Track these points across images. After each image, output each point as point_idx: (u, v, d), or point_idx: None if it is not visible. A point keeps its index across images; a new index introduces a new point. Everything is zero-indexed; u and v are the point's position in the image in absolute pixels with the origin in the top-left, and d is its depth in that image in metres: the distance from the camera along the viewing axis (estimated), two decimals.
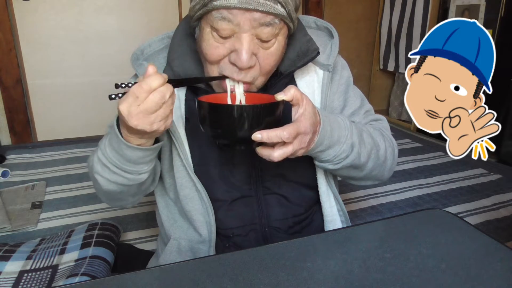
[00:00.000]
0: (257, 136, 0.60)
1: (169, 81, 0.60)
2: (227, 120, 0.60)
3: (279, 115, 0.64)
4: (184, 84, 0.69)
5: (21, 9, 2.42)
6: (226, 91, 0.71)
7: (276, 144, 0.63)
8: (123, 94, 0.59)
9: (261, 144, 0.63)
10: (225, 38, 0.66)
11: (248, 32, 0.64)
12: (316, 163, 0.77)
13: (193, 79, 0.73)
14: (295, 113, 0.64)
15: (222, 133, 0.64)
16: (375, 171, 0.81)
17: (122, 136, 0.65)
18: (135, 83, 0.58)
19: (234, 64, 0.67)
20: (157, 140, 0.71)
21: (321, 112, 0.70)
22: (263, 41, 0.67)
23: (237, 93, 0.70)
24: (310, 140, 0.66)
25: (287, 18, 0.67)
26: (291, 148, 0.62)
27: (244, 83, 0.69)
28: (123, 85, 0.60)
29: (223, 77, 0.69)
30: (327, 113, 0.73)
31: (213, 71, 0.70)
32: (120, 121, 0.64)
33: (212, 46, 0.67)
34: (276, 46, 0.69)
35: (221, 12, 0.63)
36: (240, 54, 0.65)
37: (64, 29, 2.52)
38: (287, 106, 0.65)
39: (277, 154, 0.62)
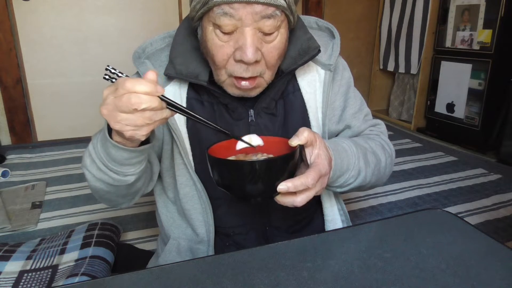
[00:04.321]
0: (283, 188, 0.58)
1: (166, 100, 0.56)
2: (250, 177, 0.58)
3: (297, 160, 0.62)
4: (179, 111, 0.59)
5: (21, 9, 2.42)
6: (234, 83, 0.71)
7: None
8: (121, 73, 0.57)
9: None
10: (228, 34, 0.65)
11: (251, 26, 0.64)
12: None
13: (189, 113, 0.60)
14: (310, 154, 0.64)
15: (243, 189, 0.60)
16: (376, 182, 0.84)
17: (109, 133, 0.63)
18: (126, 76, 0.56)
19: (240, 61, 0.66)
20: (147, 142, 0.67)
21: (330, 145, 0.70)
22: (265, 34, 0.66)
23: (253, 141, 0.66)
24: (328, 178, 0.66)
25: (288, 9, 0.66)
26: (313, 192, 0.62)
27: (252, 78, 0.69)
28: (113, 70, 0.57)
29: (224, 132, 0.63)
30: (333, 142, 0.73)
31: (222, 75, 0.70)
32: None
33: (217, 46, 0.67)
34: (279, 39, 0.68)
35: (223, 8, 0.63)
36: (245, 49, 0.64)
37: (64, 29, 2.52)
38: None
39: (300, 199, 0.61)
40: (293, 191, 0.59)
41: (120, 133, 0.58)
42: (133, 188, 0.74)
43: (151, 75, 0.55)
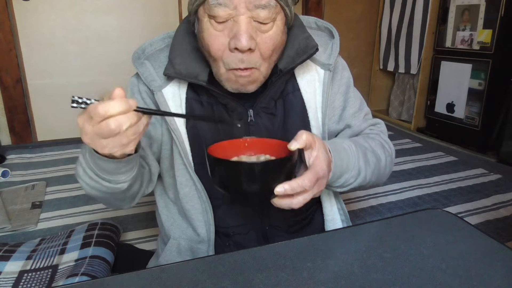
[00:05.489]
0: (280, 190, 0.58)
1: (141, 111, 0.54)
2: (247, 178, 0.58)
3: (295, 162, 0.62)
4: (156, 113, 0.60)
5: (21, 9, 2.42)
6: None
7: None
8: (88, 103, 0.53)
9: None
10: (223, 23, 0.66)
11: (245, 14, 0.65)
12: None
13: (167, 113, 0.68)
14: (309, 157, 0.64)
15: (240, 190, 0.60)
16: (376, 181, 0.84)
17: None
18: (97, 100, 0.52)
19: (236, 50, 0.66)
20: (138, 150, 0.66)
21: (330, 146, 0.70)
22: (260, 23, 0.66)
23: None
24: (326, 180, 0.66)
25: (282, 0, 0.67)
26: (311, 194, 0.61)
27: (248, 69, 0.68)
28: (80, 101, 0.52)
29: (203, 118, 0.64)
30: (333, 143, 0.73)
31: (220, 67, 0.70)
32: None
33: (212, 36, 0.67)
34: (275, 30, 0.68)
35: None
36: (239, 36, 0.65)
37: (64, 29, 2.52)
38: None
39: (296, 201, 0.60)
40: (290, 193, 0.59)
41: (109, 154, 0.57)
42: (129, 192, 0.74)
43: (118, 91, 0.52)
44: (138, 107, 0.54)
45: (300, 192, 0.60)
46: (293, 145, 0.61)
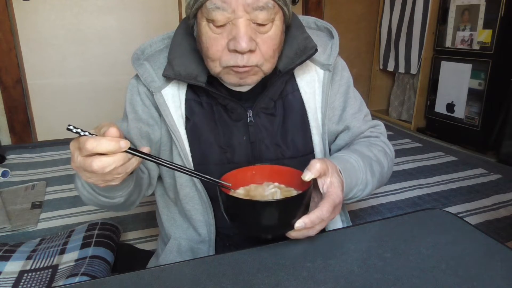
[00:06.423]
0: (300, 225, 0.58)
1: (130, 152, 0.53)
2: (266, 216, 0.57)
3: (311, 193, 0.62)
4: (147, 159, 0.56)
5: (21, 9, 2.42)
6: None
7: None
8: (82, 131, 0.52)
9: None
10: (221, 27, 0.66)
11: (243, 17, 0.64)
12: None
13: (161, 160, 0.57)
14: (323, 183, 0.63)
15: (258, 228, 0.59)
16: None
17: None
18: (92, 134, 0.52)
19: (234, 51, 0.66)
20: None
21: (339, 165, 0.69)
22: (260, 25, 0.66)
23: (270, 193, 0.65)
24: (341, 204, 0.66)
25: (281, 0, 0.67)
26: (327, 221, 0.61)
27: (248, 67, 0.68)
28: (74, 131, 0.52)
29: (213, 181, 0.61)
30: (342, 160, 0.72)
31: (216, 67, 0.70)
32: None
33: (211, 38, 0.67)
34: (274, 30, 0.68)
35: (215, 2, 0.64)
36: (238, 38, 0.64)
37: (64, 29, 2.52)
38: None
39: (313, 231, 0.60)
40: (309, 226, 0.59)
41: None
42: (126, 203, 0.75)
43: (112, 131, 0.52)
44: (130, 148, 0.53)
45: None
46: (307, 176, 0.60)
